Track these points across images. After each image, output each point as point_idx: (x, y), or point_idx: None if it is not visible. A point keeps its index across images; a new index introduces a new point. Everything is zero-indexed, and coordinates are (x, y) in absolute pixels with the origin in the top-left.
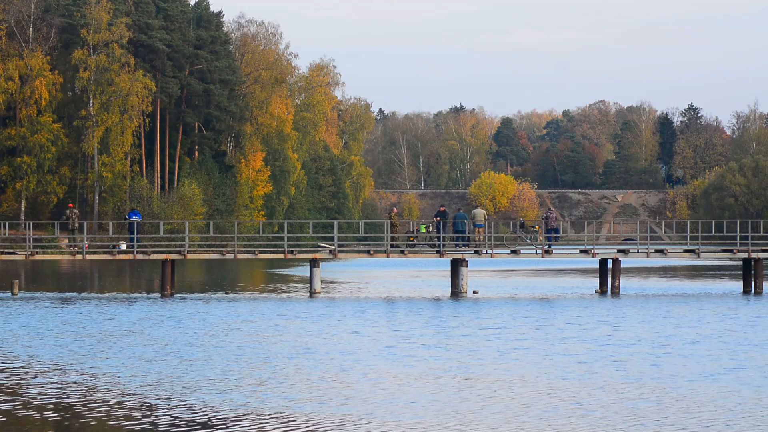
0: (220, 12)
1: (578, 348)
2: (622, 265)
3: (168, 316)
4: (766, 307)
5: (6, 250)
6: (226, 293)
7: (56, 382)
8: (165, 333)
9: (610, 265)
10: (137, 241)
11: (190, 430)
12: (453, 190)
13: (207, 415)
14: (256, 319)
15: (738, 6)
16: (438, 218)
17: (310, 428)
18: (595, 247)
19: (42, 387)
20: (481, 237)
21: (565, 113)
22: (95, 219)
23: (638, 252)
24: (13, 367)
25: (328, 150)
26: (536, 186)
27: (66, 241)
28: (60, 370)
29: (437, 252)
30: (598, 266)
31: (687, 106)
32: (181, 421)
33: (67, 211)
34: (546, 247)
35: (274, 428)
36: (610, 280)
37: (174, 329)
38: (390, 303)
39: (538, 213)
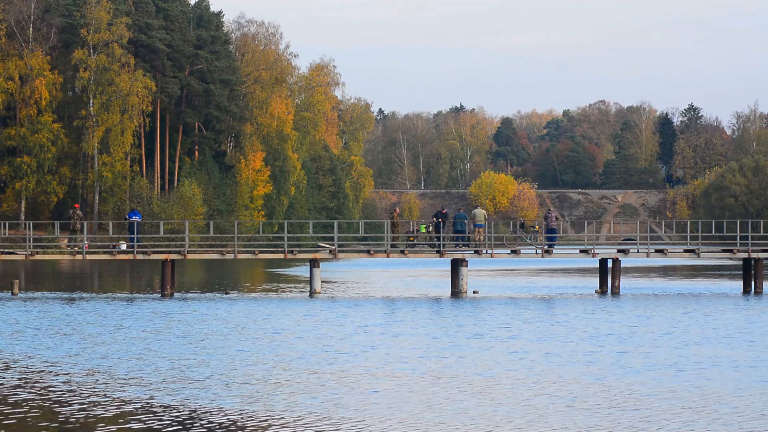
0: (220, 12)
1: (575, 348)
2: (622, 265)
3: (143, 316)
4: (763, 307)
5: (6, 250)
6: (226, 293)
7: None
8: (119, 330)
9: (610, 265)
10: (137, 241)
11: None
12: (453, 190)
13: (125, 410)
14: (236, 318)
15: (738, 6)
16: (438, 218)
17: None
18: (595, 247)
19: None
20: (481, 237)
21: (565, 113)
22: (95, 219)
23: (638, 252)
24: None
25: (328, 150)
26: (536, 186)
27: (66, 241)
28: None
29: (437, 252)
30: (598, 266)
31: (687, 106)
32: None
33: (71, 211)
34: (546, 247)
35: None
36: (610, 280)
37: (137, 328)
38: (389, 302)
39: (538, 213)
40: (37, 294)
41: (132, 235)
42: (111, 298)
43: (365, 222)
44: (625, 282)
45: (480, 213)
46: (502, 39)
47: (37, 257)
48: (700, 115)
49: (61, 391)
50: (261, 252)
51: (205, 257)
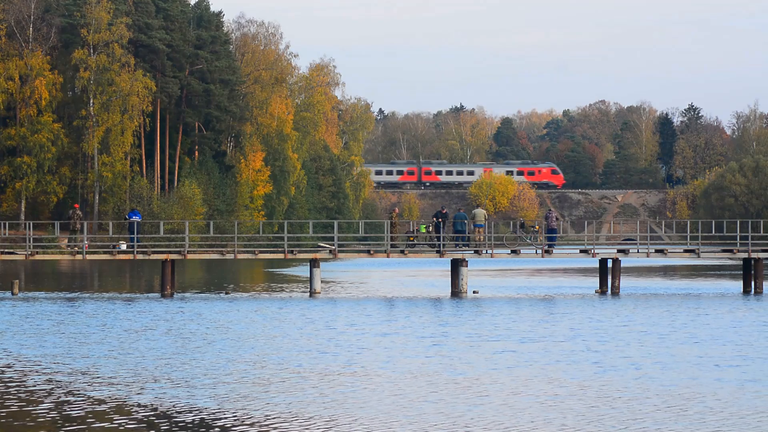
0: (220, 12)
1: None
2: (622, 265)
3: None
4: (763, 307)
5: (6, 250)
6: (226, 293)
7: None
8: (94, 330)
9: (610, 265)
10: (137, 241)
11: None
12: (453, 190)
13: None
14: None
15: (738, 6)
16: (438, 218)
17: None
18: (595, 247)
19: None
20: (481, 237)
21: (565, 113)
22: (95, 219)
23: (638, 252)
24: None
25: (328, 150)
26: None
27: (66, 241)
28: None
29: (437, 252)
30: (598, 266)
31: (687, 106)
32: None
33: (70, 211)
34: (546, 247)
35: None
36: (610, 280)
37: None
38: (389, 303)
39: (538, 213)
40: (38, 294)
41: (132, 235)
42: (111, 298)
43: (365, 222)
44: (625, 282)
45: (480, 213)
46: (502, 39)
47: (37, 257)
48: (700, 115)
49: (41, 390)
50: (261, 252)
51: (205, 257)
